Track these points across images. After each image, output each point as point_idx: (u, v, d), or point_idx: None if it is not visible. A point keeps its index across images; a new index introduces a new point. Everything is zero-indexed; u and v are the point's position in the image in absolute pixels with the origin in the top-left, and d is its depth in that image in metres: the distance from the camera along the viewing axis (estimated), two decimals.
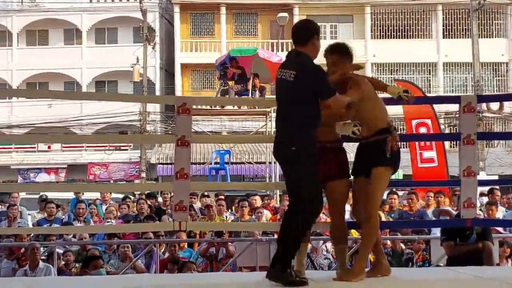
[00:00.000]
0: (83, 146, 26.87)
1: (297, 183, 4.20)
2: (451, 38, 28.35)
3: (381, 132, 4.40)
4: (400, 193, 10.11)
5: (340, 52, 4.54)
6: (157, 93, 27.84)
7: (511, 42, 28.55)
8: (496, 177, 16.79)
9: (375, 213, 4.45)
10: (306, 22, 4.50)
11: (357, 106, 4.41)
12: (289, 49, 25.54)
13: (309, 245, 7.78)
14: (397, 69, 28.20)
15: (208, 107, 16.44)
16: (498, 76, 28.84)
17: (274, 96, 4.39)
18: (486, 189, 9.74)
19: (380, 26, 28.59)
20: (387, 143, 4.34)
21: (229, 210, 10.67)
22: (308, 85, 4.16)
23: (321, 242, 7.79)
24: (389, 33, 28.66)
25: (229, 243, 7.89)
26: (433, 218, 7.76)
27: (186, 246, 8.46)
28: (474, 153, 5.23)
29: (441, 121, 19.21)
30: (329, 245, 8.00)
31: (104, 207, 10.58)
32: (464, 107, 5.04)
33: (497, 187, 9.13)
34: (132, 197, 11.57)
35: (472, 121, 5.15)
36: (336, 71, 4.47)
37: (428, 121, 11.95)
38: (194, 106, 5.08)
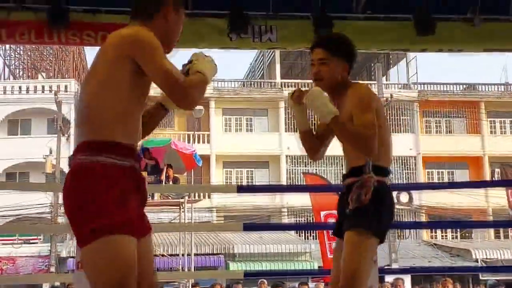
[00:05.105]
0: None
1: None
2: None
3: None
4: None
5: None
6: None
7: (418, 137, 29.83)
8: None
9: None
10: None
11: None
12: (205, 141, 25.59)
13: None
14: (310, 162, 28.81)
15: None
16: (407, 170, 29.90)
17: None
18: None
19: (293, 120, 29.27)
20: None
21: None
22: None
23: None
24: None
25: None
26: None
27: None
28: None
29: None
30: None
31: None
32: None
33: (402, 277, 9.30)
34: None
35: None
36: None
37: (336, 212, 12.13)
38: None
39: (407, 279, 13.78)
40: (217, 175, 28.58)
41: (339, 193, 3.34)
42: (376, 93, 23.34)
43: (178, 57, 2.68)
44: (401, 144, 27.61)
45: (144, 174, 15.01)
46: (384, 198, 3.09)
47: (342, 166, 29.35)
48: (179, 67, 2.51)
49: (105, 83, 2.36)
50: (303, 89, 3.22)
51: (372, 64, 31.23)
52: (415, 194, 24.16)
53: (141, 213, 2.42)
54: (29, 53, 35.81)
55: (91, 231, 2.21)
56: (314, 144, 3.33)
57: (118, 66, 2.35)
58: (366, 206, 2.99)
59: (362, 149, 3.02)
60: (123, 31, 2.43)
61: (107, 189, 2.25)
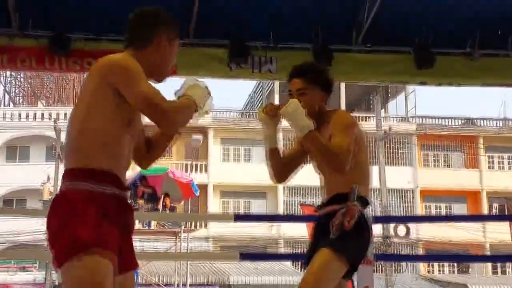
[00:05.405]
0: None
1: None
2: None
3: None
4: None
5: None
6: None
7: (417, 170, 29.81)
8: None
9: None
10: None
11: None
12: (203, 170, 25.52)
13: None
14: (308, 193, 28.76)
15: None
16: (405, 203, 29.84)
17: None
18: None
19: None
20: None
21: None
22: None
23: None
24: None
25: None
26: None
27: None
28: (371, 273, 5.34)
29: None
30: None
31: None
32: None
33: None
34: None
35: None
36: None
37: None
38: None
39: None
40: (214, 205, 28.49)
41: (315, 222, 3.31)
42: (375, 125, 23.41)
43: (174, 84, 2.68)
44: (399, 177, 27.60)
45: (141, 202, 14.99)
46: (364, 229, 3.07)
47: None
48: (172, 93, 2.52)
49: (88, 111, 2.36)
50: (276, 104, 3.25)
51: (371, 97, 31.35)
52: (412, 227, 24.04)
53: (127, 246, 2.38)
54: (29, 80, 35.93)
55: (66, 250, 2.21)
56: (281, 164, 3.34)
57: (100, 93, 2.35)
58: (347, 232, 2.97)
59: (332, 167, 3.04)
60: (107, 57, 2.42)
61: (82, 213, 2.25)
